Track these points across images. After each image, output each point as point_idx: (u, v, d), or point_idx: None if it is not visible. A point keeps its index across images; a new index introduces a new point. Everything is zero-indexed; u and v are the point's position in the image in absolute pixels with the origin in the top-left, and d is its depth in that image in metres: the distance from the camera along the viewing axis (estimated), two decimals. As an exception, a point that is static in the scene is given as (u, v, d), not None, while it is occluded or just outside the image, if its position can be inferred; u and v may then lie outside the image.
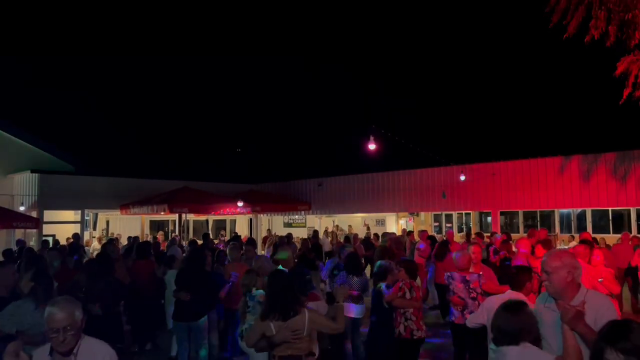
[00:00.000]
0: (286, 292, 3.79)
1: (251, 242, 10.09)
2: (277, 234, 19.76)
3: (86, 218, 18.14)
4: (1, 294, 4.92)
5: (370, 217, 22.50)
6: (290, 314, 3.71)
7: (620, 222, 17.76)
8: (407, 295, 5.34)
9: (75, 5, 36.85)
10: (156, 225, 22.04)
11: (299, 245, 12.33)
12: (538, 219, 20.01)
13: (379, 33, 35.71)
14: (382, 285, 5.54)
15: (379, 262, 5.94)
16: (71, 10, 36.81)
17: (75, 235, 14.12)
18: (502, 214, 18.69)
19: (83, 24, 37.38)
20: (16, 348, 2.61)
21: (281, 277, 3.96)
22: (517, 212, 19.83)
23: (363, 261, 10.09)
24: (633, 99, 6.36)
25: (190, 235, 20.32)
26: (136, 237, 14.39)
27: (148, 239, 17.77)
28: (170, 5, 39.93)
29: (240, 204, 17.49)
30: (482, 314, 4.22)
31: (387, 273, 5.69)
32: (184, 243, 15.22)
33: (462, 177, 16.29)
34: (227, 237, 18.04)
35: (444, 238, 11.87)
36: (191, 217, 21.05)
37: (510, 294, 4.19)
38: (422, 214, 21.93)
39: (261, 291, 5.04)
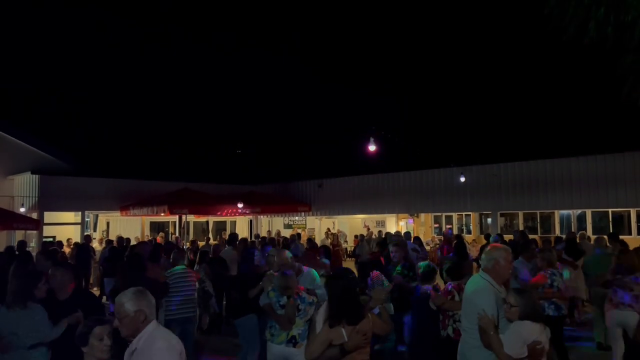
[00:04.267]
0: (352, 294, 3.62)
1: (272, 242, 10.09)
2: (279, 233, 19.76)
3: (86, 219, 18.16)
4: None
5: (371, 218, 22.50)
6: (360, 317, 3.53)
7: (620, 223, 17.77)
8: (456, 298, 5.22)
9: (74, 3, 36.92)
10: (156, 227, 22.05)
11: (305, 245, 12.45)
12: (538, 221, 20.01)
13: (381, 34, 35.78)
14: (428, 287, 5.50)
15: (425, 263, 5.90)
16: (71, 9, 36.88)
17: (87, 237, 14.21)
18: (502, 215, 18.70)
19: (83, 23, 37.46)
20: (101, 332, 2.86)
21: (341, 279, 3.78)
22: (517, 213, 19.84)
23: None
24: (632, 100, 6.36)
25: (191, 237, 20.34)
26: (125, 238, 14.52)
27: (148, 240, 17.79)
28: (170, 5, 40.05)
29: (240, 205, 17.51)
30: None
31: (433, 275, 5.67)
32: (186, 244, 15.24)
33: (462, 179, 16.30)
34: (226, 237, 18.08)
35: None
36: (191, 218, 21.06)
37: None
38: (422, 215, 21.93)
39: (306, 293, 4.98)
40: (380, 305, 3.97)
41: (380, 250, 10.35)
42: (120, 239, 13.45)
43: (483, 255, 4.05)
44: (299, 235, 15.44)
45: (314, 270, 5.82)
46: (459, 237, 12.18)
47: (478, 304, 3.68)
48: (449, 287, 5.38)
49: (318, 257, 7.41)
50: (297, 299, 4.84)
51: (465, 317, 3.94)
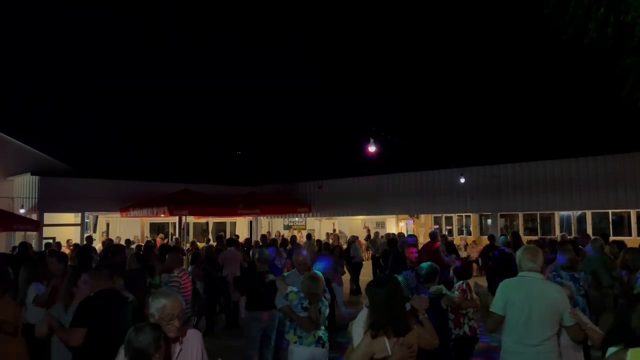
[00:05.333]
0: (398, 302, 3.25)
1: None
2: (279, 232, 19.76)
3: (86, 221, 18.16)
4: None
5: (371, 219, 22.49)
6: (407, 328, 3.16)
7: (620, 224, 17.77)
8: (469, 296, 5.34)
9: (74, 3, 36.95)
10: (156, 228, 22.05)
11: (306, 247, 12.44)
12: (538, 222, 20.00)
13: (381, 34, 35.80)
14: (444, 288, 5.44)
15: (427, 264, 5.88)
16: (71, 9, 36.91)
17: (89, 238, 14.22)
18: (502, 216, 18.69)
19: (83, 24, 37.48)
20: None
21: (386, 285, 3.34)
22: (517, 214, 19.83)
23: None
24: (632, 100, 6.36)
25: (190, 238, 20.32)
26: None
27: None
28: (170, 5, 40.08)
29: (240, 206, 17.50)
30: None
31: (436, 275, 5.65)
32: (187, 246, 15.23)
33: (462, 180, 16.30)
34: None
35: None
36: (191, 219, 21.05)
37: None
38: (422, 216, 21.92)
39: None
40: (423, 315, 3.61)
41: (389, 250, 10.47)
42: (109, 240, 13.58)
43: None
44: (309, 235, 15.69)
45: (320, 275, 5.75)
46: (444, 238, 12.26)
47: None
48: (463, 287, 5.43)
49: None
50: (320, 303, 4.77)
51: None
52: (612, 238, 16.84)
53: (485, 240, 13.83)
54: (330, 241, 17.69)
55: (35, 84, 30.80)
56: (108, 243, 12.99)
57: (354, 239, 15.28)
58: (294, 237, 15.43)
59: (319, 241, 14.36)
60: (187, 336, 3.05)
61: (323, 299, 4.84)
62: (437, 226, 22.17)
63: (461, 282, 5.54)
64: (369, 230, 21.28)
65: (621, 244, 9.43)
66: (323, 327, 4.79)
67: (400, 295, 3.31)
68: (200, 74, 39.68)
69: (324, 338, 4.76)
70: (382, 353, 3.05)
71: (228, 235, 20.90)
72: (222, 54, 38.66)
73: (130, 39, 38.20)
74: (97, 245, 16.05)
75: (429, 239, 10.61)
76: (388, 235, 15.59)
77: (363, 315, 3.39)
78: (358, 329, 3.31)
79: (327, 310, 4.84)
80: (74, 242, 15.25)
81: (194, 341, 3.10)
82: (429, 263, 5.87)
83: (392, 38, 35.93)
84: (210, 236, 21.29)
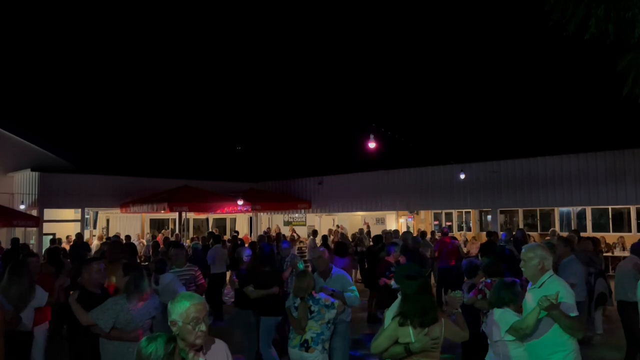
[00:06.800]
0: (427, 294, 3.49)
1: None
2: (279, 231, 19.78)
3: (86, 216, 18.17)
4: (94, 290, 4.93)
5: (370, 215, 22.50)
6: (432, 320, 3.41)
7: (620, 220, 17.78)
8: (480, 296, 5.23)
9: (74, 2, 36.84)
10: (156, 224, 22.08)
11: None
12: (538, 218, 20.02)
13: (379, 30, 35.72)
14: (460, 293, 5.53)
15: (469, 260, 5.93)
16: (71, 7, 36.82)
17: (79, 235, 14.21)
18: (502, 212, 18.71)
19: (83, 22, 37.38)
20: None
21: (417, 278, 3.55)
22: (517, 210, 19.84)
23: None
24: (632, 97, 6.35)
25: (191, 234, 20.35)
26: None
27: (147, 238, 17.87)
28: (170, 4, 39.96)
29: (240, 202, 17.51)
30: None
31: (477, 270, 5.66)
32: (187, 242, 15.27)
33: (462, 176, 16.30)
34: (227, 237, 18.17)
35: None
36: (191, 215, 21.07)
37: None
38: (422, 212, 21.93)
39: (323, 294, 4.86)
40: (456, 310, 3.82)
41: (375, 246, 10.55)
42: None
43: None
44: (315, 232, 16.12)
45: (345, 274, 5.62)
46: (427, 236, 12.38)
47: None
48: (480, 286, 5.31)
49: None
50: (310, 300, 4.70)
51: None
52: (611, 234, 17.00)
53: (484, 237, 13.79)
54: (332, 237, 17.74)
55: (35, 80, 30.75)
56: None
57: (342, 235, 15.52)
58: (278, 234, 15.75)
59: (324, 237, 14.46)
60: (211, 349, 2.71)
61: (320, 298, 4.77)
62: (437, 222, 22.20)
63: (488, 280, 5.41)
64: (368, 226, 21.31)
65: (596, 241, 9.54)
66: (318, 329, 4.65)
67: (429, 289, 3.58)
68: (199, 69, 39.63)
69: (311, 341, 4.61)
70: (405, 339, 3.37)
71: (228, 232, 20.97)
72: (222, 50, 38.56)
73: (131, 35, 38.12)
74: (94, 243, 16.09)
75: (441, 236, 10.82)
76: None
77: (397, 303, 3.66)
78: (390, 314, 3.62)
79: (330, 311, 4.70)
80: (73, 238, 15.29)
81: (220, 354, 2.77)
82: (471, 259, 5.93)
83: (392, 34, 35.86)
84: (205, 234, 21.33)
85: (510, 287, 4.10)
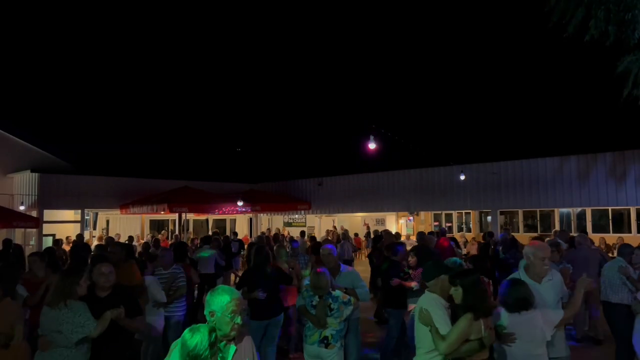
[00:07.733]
0: (483, 287, 3.65)
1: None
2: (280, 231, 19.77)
3: (86, 217, 18.17)
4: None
5: (370, 216, 22.51)
6: (490, 310, 3.57)
7: (620, 221, 17.78)
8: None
9: (74, 2, 36.85)
10: (156, 225, 22.07)
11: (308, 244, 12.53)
12: (538, 219, 20.03)
13: (379, 31, 35.74)
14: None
15: (454, 260, 5.94)
16: (71, 7, 36.82)
17: (79, 236, 14.18)
18: (502, 213, 18.70)
19: (83, 23, 37.39)
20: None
21: (471, 274, 3.68)
22: (517, 211, 19.84)
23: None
24: (632, 98, 6.35)
25: (191, 235, 20.34)
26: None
27: (147, 239, 17.82)
28: (170, 5, 39.96)
29: (240, 203, 17.51)
30: None
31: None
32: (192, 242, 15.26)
33: (462, 177, 16.31)
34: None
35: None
36: (191, 216, 21.06)
37: None
38: (422, 213, 21.94)
39: (339, 292, 4.85)
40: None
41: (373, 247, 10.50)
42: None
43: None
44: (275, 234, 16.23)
45: (354, 271, 5.63)
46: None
47: None
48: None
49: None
50: (329, 298, 4.73)
51: None
52: (611, 235, 17.00)
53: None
54: (330, 238, 17.73)
55: (35, 81, 30.75)
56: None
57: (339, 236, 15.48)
58: (276, 235, 15.78)
59: (312, 237, 14.46)
60: (242, 342, 2.84)
61: (339, 295, 4.80)
62: (436, 223, 22.21)
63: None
64: (368, 227, 21.31)
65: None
66: (338, 325, 4.70)
67: (482, 283, 3.70)
68: (199, 70, 39.65)
69: (331, 338, 4.67)
70: (478, 334, 3.38)
71: (228, 232, 20.94)
72: (222, 51, 38.59)
73: (131, 36, 38.14)
74: (94, 244, 16.08)
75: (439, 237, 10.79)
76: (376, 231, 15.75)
77: (431, 299, 3.66)
78: (438, 310, 3.54)
79: (348, 308, 4.75)
80: (73, 239, 15.28)
81: (247, 346, 2.90)
82: (454, 258, 5.92)
83: (392, 34, 35.87)
84: (208, 233, 21.31)
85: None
